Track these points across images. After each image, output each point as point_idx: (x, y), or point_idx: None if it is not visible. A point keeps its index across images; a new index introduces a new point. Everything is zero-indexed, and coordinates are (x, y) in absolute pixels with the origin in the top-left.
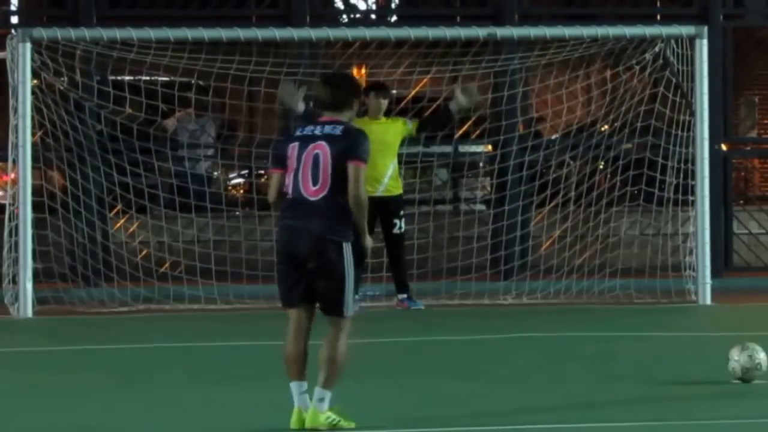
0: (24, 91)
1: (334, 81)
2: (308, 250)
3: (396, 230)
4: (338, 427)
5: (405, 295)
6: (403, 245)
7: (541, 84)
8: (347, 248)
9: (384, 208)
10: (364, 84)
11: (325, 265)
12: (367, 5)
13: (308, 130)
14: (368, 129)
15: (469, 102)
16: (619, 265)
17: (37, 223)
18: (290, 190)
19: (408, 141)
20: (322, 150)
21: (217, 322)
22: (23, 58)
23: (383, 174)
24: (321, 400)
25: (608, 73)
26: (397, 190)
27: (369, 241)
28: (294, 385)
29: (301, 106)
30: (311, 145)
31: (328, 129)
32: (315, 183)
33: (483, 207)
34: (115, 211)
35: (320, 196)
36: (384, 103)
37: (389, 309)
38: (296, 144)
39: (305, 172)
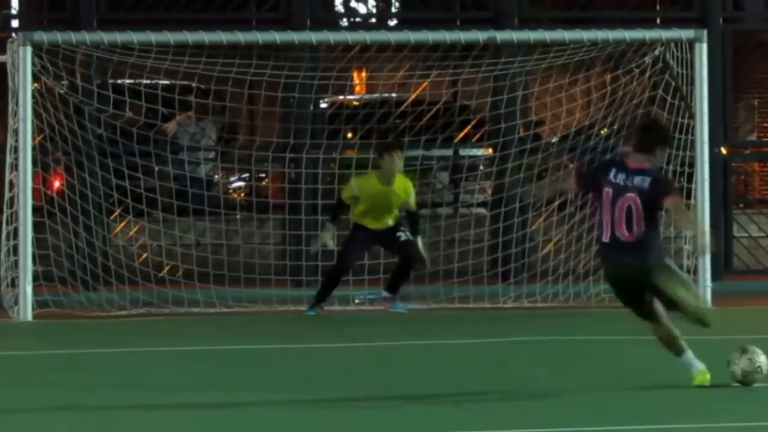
0: (24, 94)
1: (645, 126)
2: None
3: (403, 237)
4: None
5: (389, 295)
6: (415, 253)
7: (540, 87)
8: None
9: (385, 232)
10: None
11: None
12: (368, 9)
13: (620, 178)
14: (377, 192)
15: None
16: None
17: (37, 227)
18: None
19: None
20: (633, 201)
21: (216, 325)
22: (24, 61)
23: (386, 222)
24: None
25: (608, 77)
26: (395, 221)
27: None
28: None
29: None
30: (624, 196)
31: (637, 180)
32: (629, 229)
33: (483, 210)
34: (115, 214)
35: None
36: (400, 164)
37: (389, 312)
38: (609, 191)
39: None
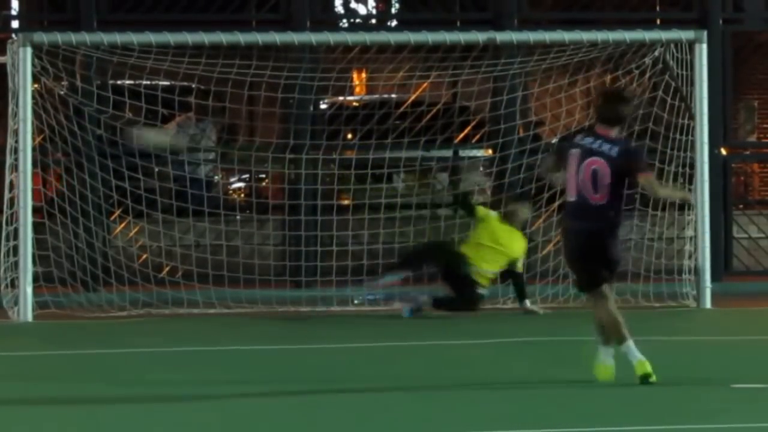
0: (24, 95)
1: (606, 97)
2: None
3: (470, 277)
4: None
5: (426, 300)
6: (474, 298)
7: (540, 88)
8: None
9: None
10: None
11: None
12: (368, 10)
13: (587, 141)
14: (503, 231)
15: None
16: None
17: (37, 228)
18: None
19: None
20: (601, 165)
21: (215, 326)
22: (24, 62)
23: (491, 266)
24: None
25: (608, 78)
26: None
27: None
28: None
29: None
30: (590, 158)
31: (605, 147)
32: (596, 191)
33: None
34: (115, 215)
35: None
36: (525, 217)
37: (389, 313)
38: (577, 151)
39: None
